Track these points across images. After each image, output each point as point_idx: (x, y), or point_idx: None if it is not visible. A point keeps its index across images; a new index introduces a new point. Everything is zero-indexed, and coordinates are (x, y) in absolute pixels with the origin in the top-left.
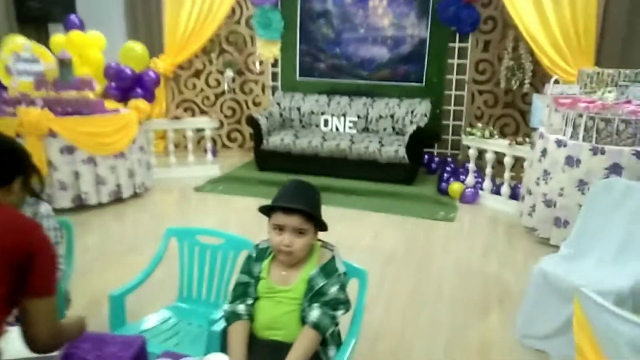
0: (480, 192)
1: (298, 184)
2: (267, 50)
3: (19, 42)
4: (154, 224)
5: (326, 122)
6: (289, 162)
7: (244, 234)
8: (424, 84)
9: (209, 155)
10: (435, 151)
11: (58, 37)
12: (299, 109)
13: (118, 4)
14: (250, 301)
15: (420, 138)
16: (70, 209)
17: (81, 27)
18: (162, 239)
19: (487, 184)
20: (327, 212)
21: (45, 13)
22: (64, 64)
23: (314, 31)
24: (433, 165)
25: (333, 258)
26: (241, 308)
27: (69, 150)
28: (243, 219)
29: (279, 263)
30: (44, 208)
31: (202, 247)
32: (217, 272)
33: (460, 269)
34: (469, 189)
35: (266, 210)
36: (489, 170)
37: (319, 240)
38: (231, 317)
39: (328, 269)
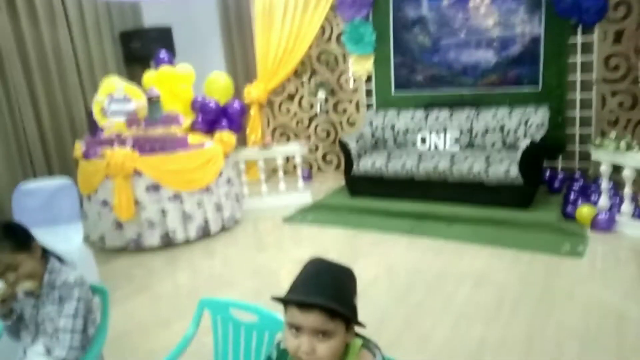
0: (617, 216)
1: (320, 267)
2: (360, 66)
3: (113, 83)
4: (243, 259)
5: (423, 140)
6: (381, 187)
7: None
8: (540, 87)
9: (300, 183)
10: (560, 165)
11: (149, 74)
12: (392, 127)
13: (215, 34)
14: None
15: (537, 153)
16: (159, 247)
17: (170, 62)
18: (195, 312)
19: (626, 206)
20: (423, 244)
21: (146, 52)
22: (152, 102)
23: (409, 41)
24: (556, 184)
25: None
26: None
27: (155, 188)
28: (331, 253)
29: None
30: (74, 276)
31: (236, 324)
32: (253, 354)
33: (592, 323)
34: (603, 214)
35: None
36: (628, 190)
37: (359, 336)
38: None
39: None
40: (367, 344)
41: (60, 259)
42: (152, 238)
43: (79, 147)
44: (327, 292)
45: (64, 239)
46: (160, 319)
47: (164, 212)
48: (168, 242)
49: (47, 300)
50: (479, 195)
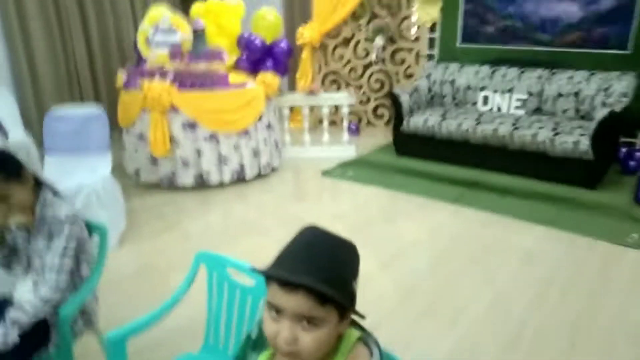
0: None
1: (314, 238)
2: (425, 12)
3: (159, 12)
4: (277, 208)
5: (485, 100)
6: (431, 148)
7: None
8: (629, 50)
9: (345, 136)
10: (639, 143)
11: (197, 6)
12: (452, 83)
13: None
14: None
15: (615, 126)
16: (192, 188)
17: None
18: (191, 265)
19: None
20: (471, 214)
21: None
22: (197, 35)
23: None
24: (632, 163)
25: None
26: None
27: (191, 126)
28: (364, 214)
29: None
30: (66, 211)
31: (231, 285)
32: (246, 321)
33: None
34: None
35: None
36: None
37: (356, 327)
38: None
39: None
40: (365, 338)
41: (55, 192)
42: (186, 177)
43: (121, 77)
44: (319, 271)
45: (91, 168)
46: (189, 257)
47: (199, 152)
48: (202, 183)
49: (39, 234)
50: (541, 167)
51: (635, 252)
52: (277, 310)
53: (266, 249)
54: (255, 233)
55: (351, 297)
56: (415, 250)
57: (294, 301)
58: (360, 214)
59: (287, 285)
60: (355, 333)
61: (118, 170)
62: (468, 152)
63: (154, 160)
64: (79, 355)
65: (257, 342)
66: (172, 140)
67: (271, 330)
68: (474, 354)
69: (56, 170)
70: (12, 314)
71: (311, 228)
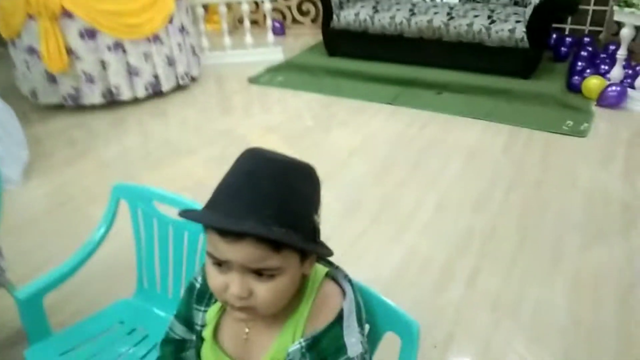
0: (629, 91)
1: (258, 165)
2: None
3: None
4: (202, 123)
5: None
6: (364, 45)
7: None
8: None
9: (270, 36)
10: (568, 27)
11: None
12: None
13: None
14: None
15: (548, 11)
16: (102, 106)
17: None
18: (109, 201)
19: None
20: (409, 115)
21: None
22: None
23: None
24: (563, 50)
25: (338, 321)
26: None
27: (91, 34)
28: (298, 124)
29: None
30: None
31: (162, 221)
32: (185, 260)
33: (594, 213)
34: (613, 87)
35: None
36: None
37: (323, 262)
38: None
39: (324, 346)
40: (333, 273)
41: None
42: (93, 94)
43: None
44: (267, 209)
45: None
46: (108, 187)
47: (103, 64)
48: (112, 100)
49: None
50: (476, 59)
51: (572, 139)
52: (222, 263)
53: (195, 172)
54: (181, 154)
55: (313, 235)
56: (355, 159)
57: (241, 252)
58: (293, 124)
59: (229, 234)
60: (321, 269)
61: (10, 92)
62: (403, 47)
63: (51, 78)
64: None
65: (203, 292)
66: (70, 52)
67: (217, 283)
68: (425, 261)
69: None
70: None
71: (252, 152)
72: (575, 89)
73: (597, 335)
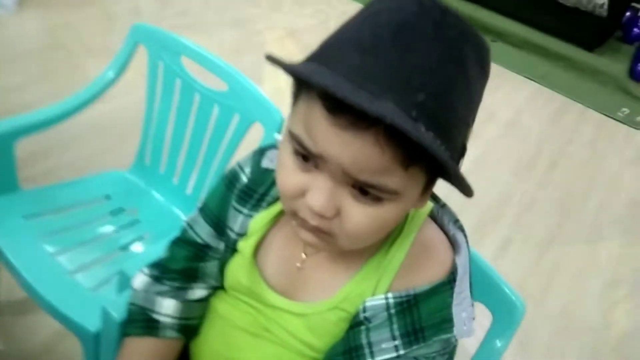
0: None
1: (423, 14)
2: None
3: None
4: (227, 3)
5: None
6: None
7: None
8: None
9: None
10: None
11: None
12: None
13: None
14: (200, 292)
15: None
16: None
17: None
18: (124, 43)
19: None
20: None
21: None
22: None
23: None
24: (635, 31)
25: (450, 283)
26: (169, 306)
27: None
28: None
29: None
30: None
31: (187, 85)
32: (206, 142)
33: (637, 214)
34: None
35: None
36: None
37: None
38: (135, 316)
39: (424, 313)
40: (439, 214)
41: None
42: None
43: None
44: (419, 92)
45: None
46: (113, 42)
47: None
48: None
49: None
50: (544, 15)
51: (625, 127)
52: (311, 156)
53: (250, 35)
54: (195, 30)
55: (459, 155)
56: None
57: (353, 150)
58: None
59: (347, 113)
60: (426, 206)
61: None
62: None
63: None
64: None
65: (252, 189)
66: None
67: (291, 183)
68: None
69: None
70: None
71: None
72: (637, 76)
73: (628, 340)
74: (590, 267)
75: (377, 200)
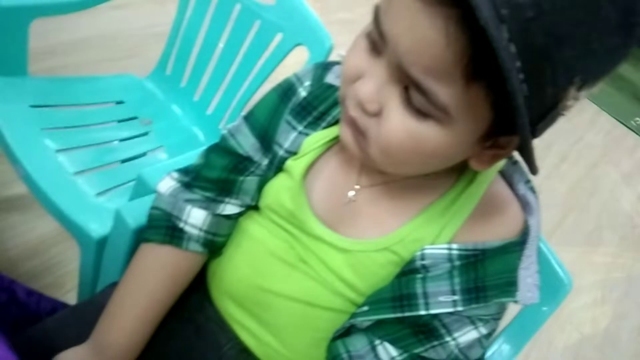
0: None
1: None
2: None
3: None
4: None
5: None
6: None
7: None
8: None
9: None
10: None
11: None
12: None
13: None
14: (232, 208)
15: None
16: None
17: None
18: None
19: None
20: None
21: None
22: None
23: None
24: None
25: (521, 243)
26: (197, 217)
27: None
28: None
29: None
30: None
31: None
32: (240, 59)
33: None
34: None
35: None
36: None
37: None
38: (158, 222)
39: (490, 271)
40: (510, 172)
41: None
42: None
43: None
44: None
45: None
46: None
47: None
48: None
49: None
50: None
51: (635, 137)
52: (377, 37)
53: None
54: None
55: (544, 113)
56: None
57: (419, 32)
58: None
59: None
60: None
61: None
62: None
63: None
64: None
65: (311, 105)
66: None
67: (353, 64)
68: None
69: None
70: None
71: None
72: None
73: (610, 346)
74: (584, 269)
75: (422, 115)
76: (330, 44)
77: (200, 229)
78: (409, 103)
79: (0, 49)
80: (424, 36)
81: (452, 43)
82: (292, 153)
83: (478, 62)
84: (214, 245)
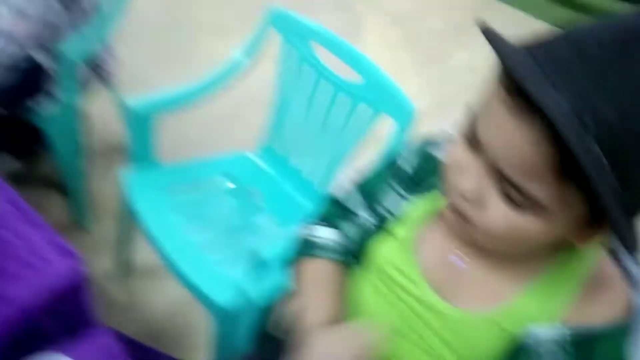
0: None
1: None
2: None
3: None
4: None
5: None
6: None
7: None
8: None
9: None
10: None
11: None
12: None
13: None
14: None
15: None
16: None
17: None
18: (260, 24)
19: None
20: None
21: None
22: None
23: None
24: None
25: (627, 324)
26: (327, 233)
27: None
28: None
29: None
30: None
31: (317, 69)
32: (334, 134)
33: None
34: None
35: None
36: None
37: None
38: (306, 247)
39: (598, 354)
40: (616, 248)
41: None
42: None
43: None
44: (606, 103)
45: None
46: (232, 20)
47: None
48: None
49: None
50: None
51: None
52: (473, 140)
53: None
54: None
55: (634, 207)
56: None
57: (512, 140)
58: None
59: (521, 97)
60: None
61: None
62: None
63: None
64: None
65: (418, 179)
66: None
67: (456, 159)
68: None
69: None
70: None
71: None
72: None
73: None
74: None
75: (520, 207)
76: (412, 111)
77: (335, 241)
78: (507, 196)
79: (134, 142)
80: (513, 142)
81: (540, 149)
82: (393, 215)
83: (566, 165)
84: (352, 256)
